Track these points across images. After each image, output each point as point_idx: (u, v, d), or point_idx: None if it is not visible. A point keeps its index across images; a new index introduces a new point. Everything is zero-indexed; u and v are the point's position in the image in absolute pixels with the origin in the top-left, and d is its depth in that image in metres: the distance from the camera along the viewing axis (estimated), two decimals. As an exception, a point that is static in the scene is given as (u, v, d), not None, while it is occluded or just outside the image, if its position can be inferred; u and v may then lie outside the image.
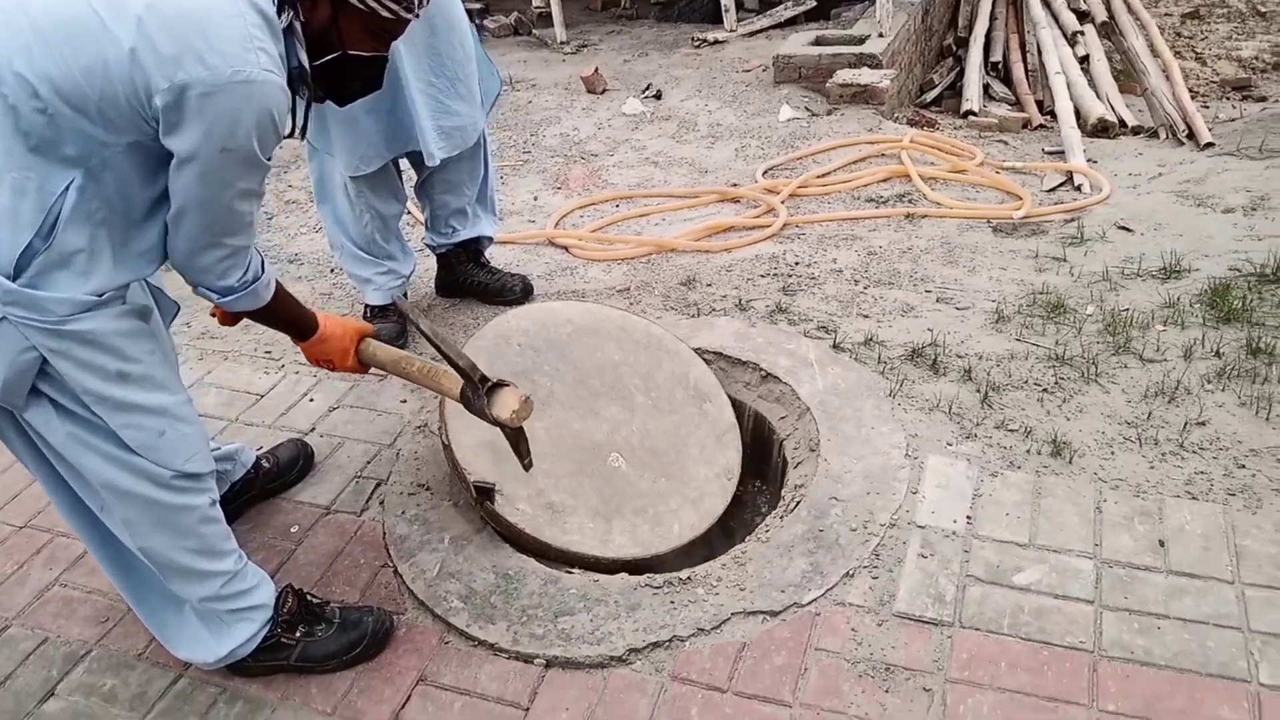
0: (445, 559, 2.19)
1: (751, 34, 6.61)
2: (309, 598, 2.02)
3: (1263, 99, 6.39)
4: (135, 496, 1.70)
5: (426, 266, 3.42)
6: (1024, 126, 5.41)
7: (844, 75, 5.02)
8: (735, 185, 4.11)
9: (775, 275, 3.29)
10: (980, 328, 2.88)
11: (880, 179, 4.07)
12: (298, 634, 1.95)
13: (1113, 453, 2.32)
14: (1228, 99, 6.44)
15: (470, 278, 3.27)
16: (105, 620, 2.15)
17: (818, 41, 5.54)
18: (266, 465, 2.41)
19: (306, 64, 1.63)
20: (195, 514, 1.78)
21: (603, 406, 2.48)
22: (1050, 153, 4.76)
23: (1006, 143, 5.01)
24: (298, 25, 1.58)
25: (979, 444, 2.38)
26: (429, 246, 3.26)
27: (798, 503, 2.26)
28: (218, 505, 1.85)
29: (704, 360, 2.71)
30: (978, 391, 2.57)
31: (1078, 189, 4.06)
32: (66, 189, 1.48)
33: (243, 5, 1.47)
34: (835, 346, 2.81)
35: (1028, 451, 2.35)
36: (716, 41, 6.47)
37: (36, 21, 1.42)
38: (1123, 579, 1.97)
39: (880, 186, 4.03)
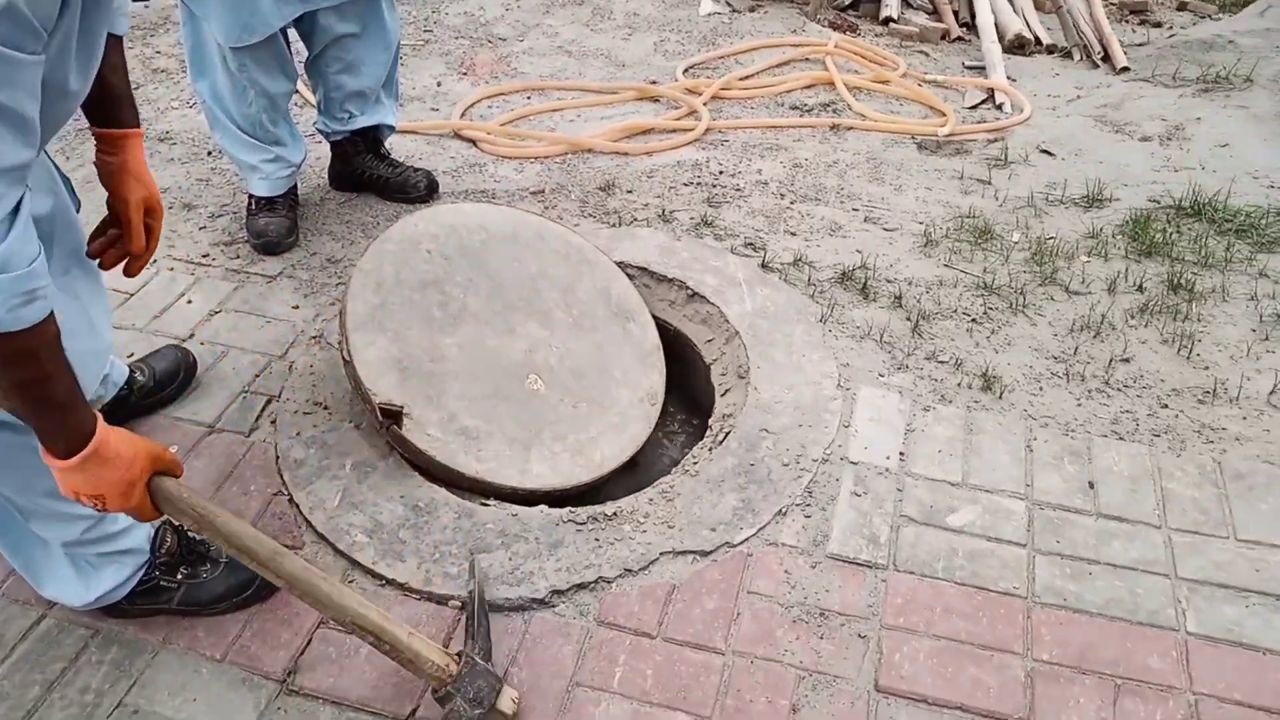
0: (347, 487, 2.00)
1: (668, -84, 6.22)
2: (190, 534, 1.80)
3: (1159, 24, 6.44)
4: None
5: (319, 154, 3.10)
6: (943, 38, 5.29)
7: (767, -31, 4.77)
8: (655, 83, 3.87)
9: (699, 184, 3.12)
10: (909, 251, 2.80)
11: (804, 85, 3.90)
12: (179, 576, 1.74)
13: (1041, 388, 2.29)
14: (1127, 22, 6.46)
15: (369, 170, 2.97)
16: (-49, 551, 1.90)
17: (740, -70, 5.23)
18: (141, 379, 2.13)
19: None
20: None
21: (520, 323, 2.29)
22: (970, 67, 4.67)
23: (927, 54, 4.89)
24: None
25: (910, 376, 2.31)
26: (321, 132, 2.94)
27: (727, 434, 2.16)
28: None
29: (627, 275, 2.55)
30: (908, 319, 2.49)
31: (999, 107, 3.99)
32: None
33: None
34: (764, 266, 2.67)
35: (959, 385, 2.29)
36: (631, -78, 6.06)
37: None
38: (1054, 521, 1.95)
39: (804, 93, 3.86)
